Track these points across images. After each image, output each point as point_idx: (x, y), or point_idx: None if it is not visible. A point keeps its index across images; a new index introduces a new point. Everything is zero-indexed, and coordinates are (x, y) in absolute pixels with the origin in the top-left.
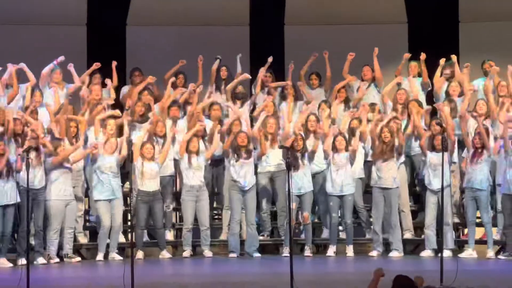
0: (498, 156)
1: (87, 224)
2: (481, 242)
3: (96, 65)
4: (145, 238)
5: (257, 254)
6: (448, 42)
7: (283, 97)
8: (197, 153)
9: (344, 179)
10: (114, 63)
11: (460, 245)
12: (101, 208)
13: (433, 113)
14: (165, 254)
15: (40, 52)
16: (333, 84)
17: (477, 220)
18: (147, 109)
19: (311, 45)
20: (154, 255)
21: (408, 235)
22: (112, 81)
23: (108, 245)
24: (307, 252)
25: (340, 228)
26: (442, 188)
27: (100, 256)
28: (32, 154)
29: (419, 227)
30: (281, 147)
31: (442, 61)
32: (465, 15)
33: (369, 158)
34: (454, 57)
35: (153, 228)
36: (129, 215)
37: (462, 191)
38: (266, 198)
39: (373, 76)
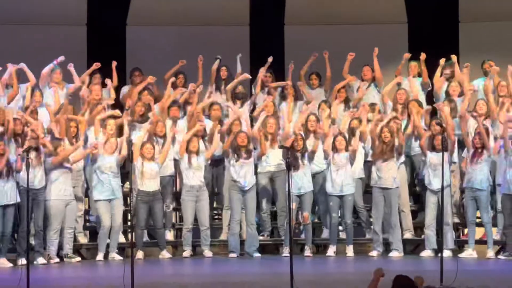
0: (498, 156)
1: (87, 224)
2: (481, 242)
3: (96, 65)
4: (145, 238)
5: (257, 254)
6: (448, 42)
7: (283, 97)
8: (197, 153)
9: (344, 179)
10: (114, 63)
11: (460, 245)
12: (101, 208)
13: (433, 113)
14: (165, 254)
15: (40, 52)
16: (333, 84)
17: (477, 220)
18: (147, 109)
19: (311, 45)
20: (154, 255)
21: (408, 235)
22: (112, 81)
23: (108, 245)
24: (307, 252)
25: (340, 228)
26: (442, 188)
27: (100, 256)
28: (32, 154)
29: (419, 227)
30: (281, 147)
31: (442, 61)
32: (465, 15)
33: (369, 158)
34: (454, 57)
35: (153, 228)
36: (129, 215)
37: (462, 191)
38: (266, 198)
39: (373, 76)
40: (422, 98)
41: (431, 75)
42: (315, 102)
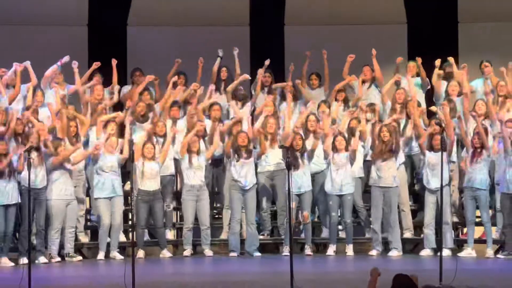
0: (497, 156)
1: (88, 223)
2: (480, 241)
3: (96, 65)
4: (146, 237)
5: (257, 253)
6: (447, 43)
7: (283, 97)
8: (198, 153)
9: (343, 178)
10: (114, 62)
11: (459, 244)
12: (101, 206)
13: (433, 112)
14: (166, 253)
15: (41, 53)
16: (333, 84)
17: (476, 220)
18: (148, 109)
19: (311, 45)
20: (155, 254)
21: (408, 234)
22: (112, 80)
23: (109, 244)
24: (308, 251)
25: (340, 227)
26: (442, 188)
27: (101, 255)
28: (34, 154)
29: (418, 226)
30: (281, 147)
31: (437, 62)
32: (464, 16)
33: (368, 158)
34: (451, 59)
35: (154, 227)
36: (130, 214)
37: (461, 190)
38: (266, 198)
39: (373, 76)
40: (422, 97)
41: (429, 75)
42: (315, 101)
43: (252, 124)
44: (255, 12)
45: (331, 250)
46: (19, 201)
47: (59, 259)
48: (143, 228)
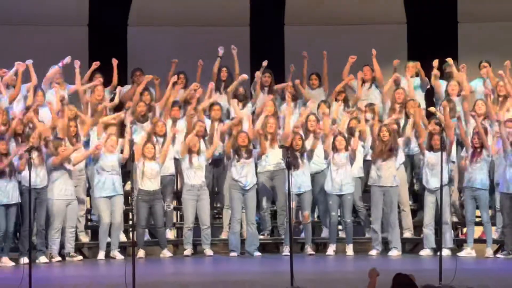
0: (497, 156)
1: (89, 223)
2: (479, 241)
3: (95, 64)
4: (146, 237)
5: (258, 253)
6: (447, 43)
7: (283, 98)
8: (198, 152)
9: (343, 178)
10: (115, 61)
11: (459, 244)
12: (101, 206)
13: (432, 113)
14: (166, 253)
15: (41, 53)
16: (333, 84)
17: (476, 220)
18: (148, 109)
19: (311, 45)
20: (155, 254)
21: (408, 234)
22: (112, 79)
23: (109, 244)
24: (310, 250)
25: (340, 227)
26: (441, 187)
27: (101, 255)
28: (34, 154)
29: (418, 226)
30: (281, 146)
31: (435, 62)
32: (464, 16)
33: (368, 157)
34: (450, 60)
35: (154, 227)
36: (130, 214)
37: (459, 190)
38: (266, 197)
39: (373, 76)
40: (421, 97)
41: (429, 75)
42: (314, 100)
43: (252, 124)
44: (255, 12)
45: (331, 249)
46: (20, 200)
47: (59, 258)
48: (144, 228)
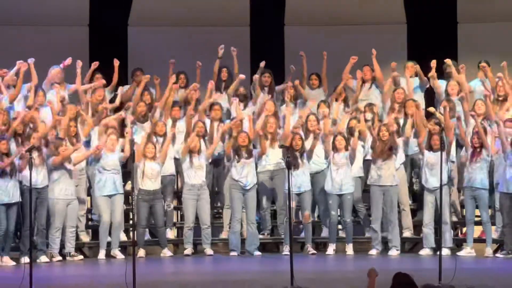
0: (497, 156)
1: (90, 223)
2: (479, 240)
3: (94, 65)
4: (147, 236)
5: (258, 253)
6: (447, 43)
7: (283, 100)
8: (199, 152)
9: (343, 178)
10: (116, 62)
11: (458, 243)
12: (101, 204)
13: (431, 113)
14: (167, 252)
15: (41, 53)
16: (332, 84)
17: (476, 219)
18: (148, 109)
19: (311, 45)
20: (156, 253)
21: (408, 233)
22: (112, 79)
23: (109, 243)
24: (311, 250)
25: (340, 226)
26: (441, 187)
27: (102, 254)
28: (35, 154)
29: (417, 226)
30: (281, 146)
31: (433, 63)
32: (464, 16)
33: (368, 157)
34: (448, 61)
35: (155, 226)
36: (130, 214)
37: (458, 190)
38: (266, 197)
39: (373, 76)
40: (420, 97)
41: (426, 74)
42: (314, 99)
43: (253, 124)
44: (255, 12)
45: (331, 249)
46: (20, 200)
47: (60, 258)
48: (144, 228)
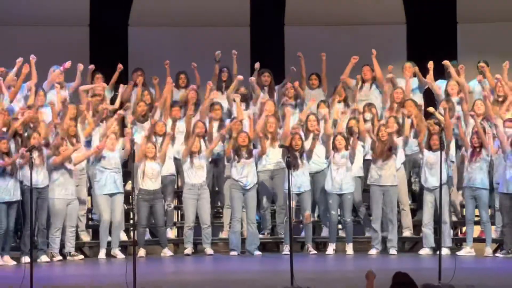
0: (497, 156)
1: (90, 222)
2: (479, 240)
3: (91, 68)
4: (147, 236)
5: (258, 252)
6: (447, 43)
7: (283, 103)
8: (199, 152)
9: (343, 177)
10: (119, 66)
11: (458, 243)
12: (102, 203)
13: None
14: (167, 252)
15: (42, 53)
16: (332, 84)
17: (476, 219)
18: (148, 109)
19: (311, 45)
20: (156, 253)
21: (408, 233)
22: (112, 79)
23: (110, 243)
24: (311, 250)
25: (340, 226)
26: (441, 187)
27: (102, 253)
28: (35, 154)
29: (417, 225)
30: (281, 146)
31: (430, 64)
32: (463, 16)
33: (368, 157)
34: (446, 62)
35: (155, 226)
36: (131, 213)
37: (458, 189)
38: (266, 196)
39: (373, 76)
40: (420, 98)
41: (425, 74)
42: (314, 99)
43: (253, 124)
44: (255, 12)
45: (331, 249)
46: (21, 198)
47: (60, 257)
48: (144, 227)
